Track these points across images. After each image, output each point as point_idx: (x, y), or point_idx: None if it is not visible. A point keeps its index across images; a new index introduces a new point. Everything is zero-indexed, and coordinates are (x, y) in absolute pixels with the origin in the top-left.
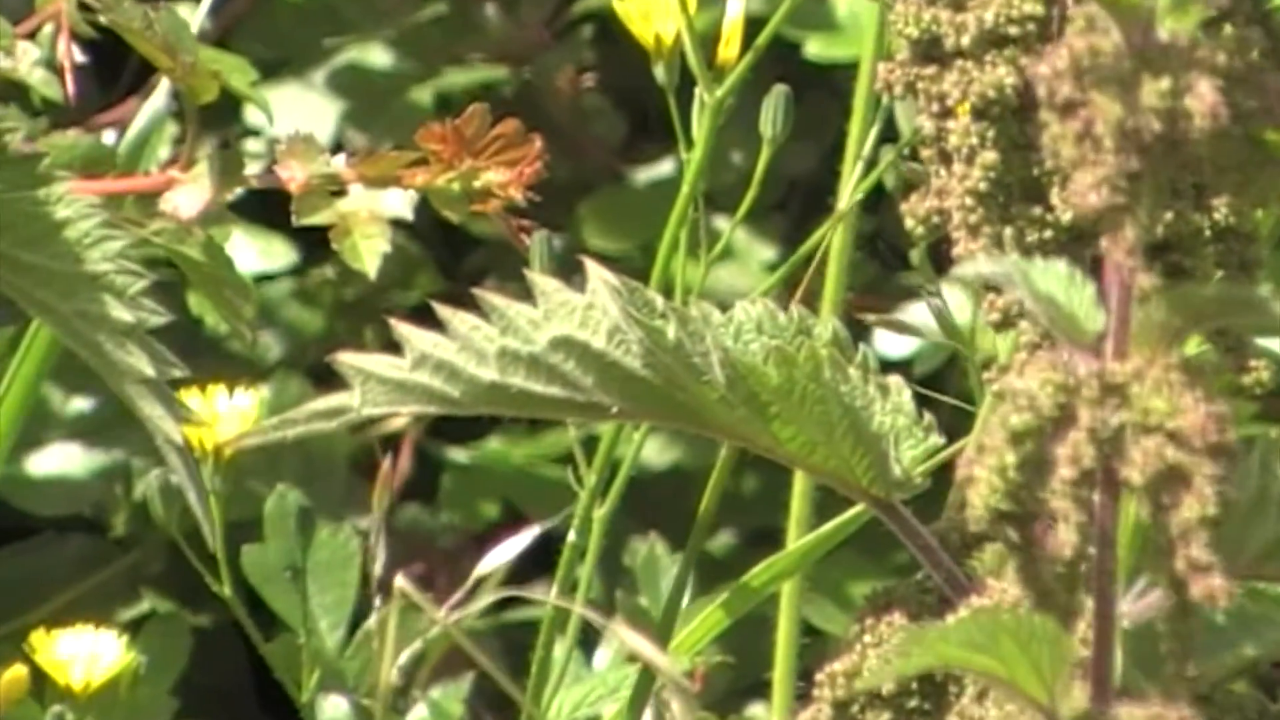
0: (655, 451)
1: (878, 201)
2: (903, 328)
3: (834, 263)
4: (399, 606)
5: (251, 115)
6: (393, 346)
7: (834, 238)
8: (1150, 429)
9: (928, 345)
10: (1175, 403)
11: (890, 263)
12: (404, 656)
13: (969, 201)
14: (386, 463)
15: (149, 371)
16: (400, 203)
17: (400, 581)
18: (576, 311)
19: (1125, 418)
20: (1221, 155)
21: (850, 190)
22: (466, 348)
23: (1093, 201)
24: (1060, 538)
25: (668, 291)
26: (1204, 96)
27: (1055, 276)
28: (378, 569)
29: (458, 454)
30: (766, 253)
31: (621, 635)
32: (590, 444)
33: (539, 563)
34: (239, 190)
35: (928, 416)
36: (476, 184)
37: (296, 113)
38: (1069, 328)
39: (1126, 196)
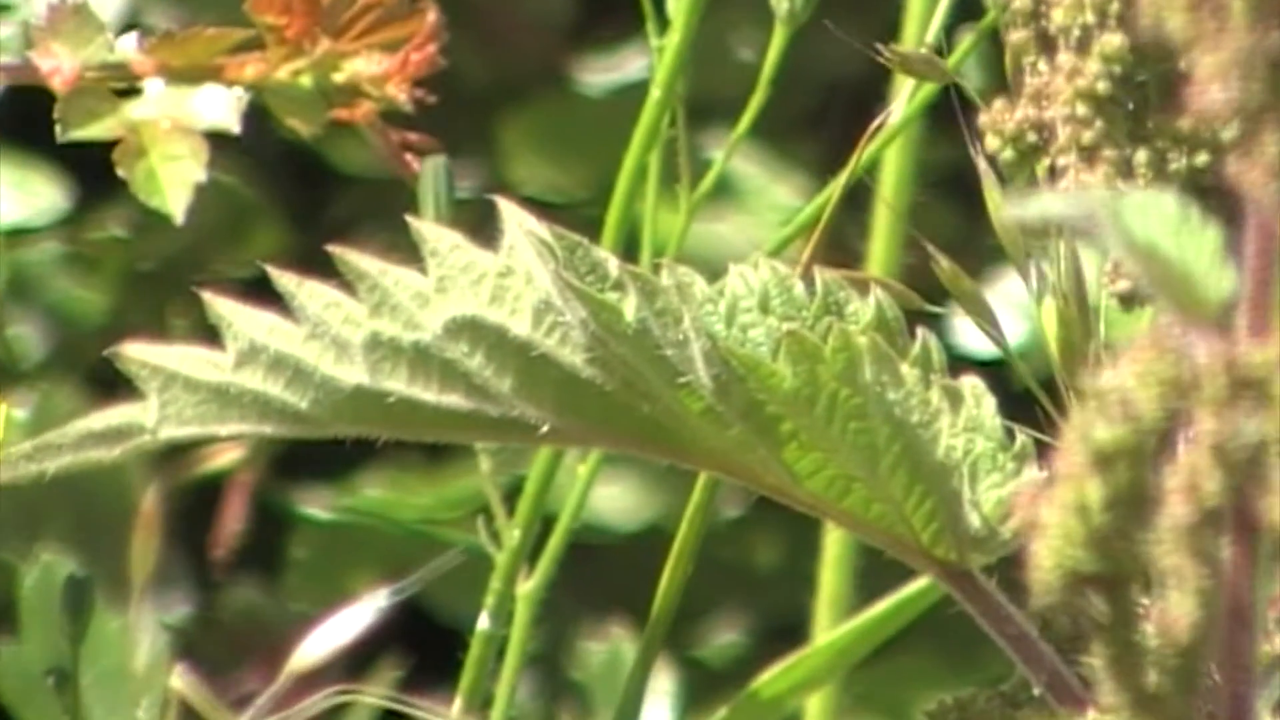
0: (621, 504)
1: (954, 116)
2: (985, 310)
3: (885, 207)
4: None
5: None
6: (212, 335)
7: (886, 169)
8: None
9: (1035, 336)
10: None
11: (976, 208)
12: None
13: (1082, 110)
14: (149, 500)
15: None
16: (222, 107)
17: (177, 680)
18: (486, 279)
19: (1268, 428)
20: None
21: (908, 95)
22: (319, 335)
23: (1215, 99)
24: (1171, 610)
25: (632, 253)
26: None
27: (1160, 216)
28: (141, 660)
29: (317, 504)
30: (792, 196)
31: None
32: (518, 489)
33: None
34: None
35: (1021, 439)
36: (338, 77)
37: None
38: (1181, 293)
39: (1265, 91)
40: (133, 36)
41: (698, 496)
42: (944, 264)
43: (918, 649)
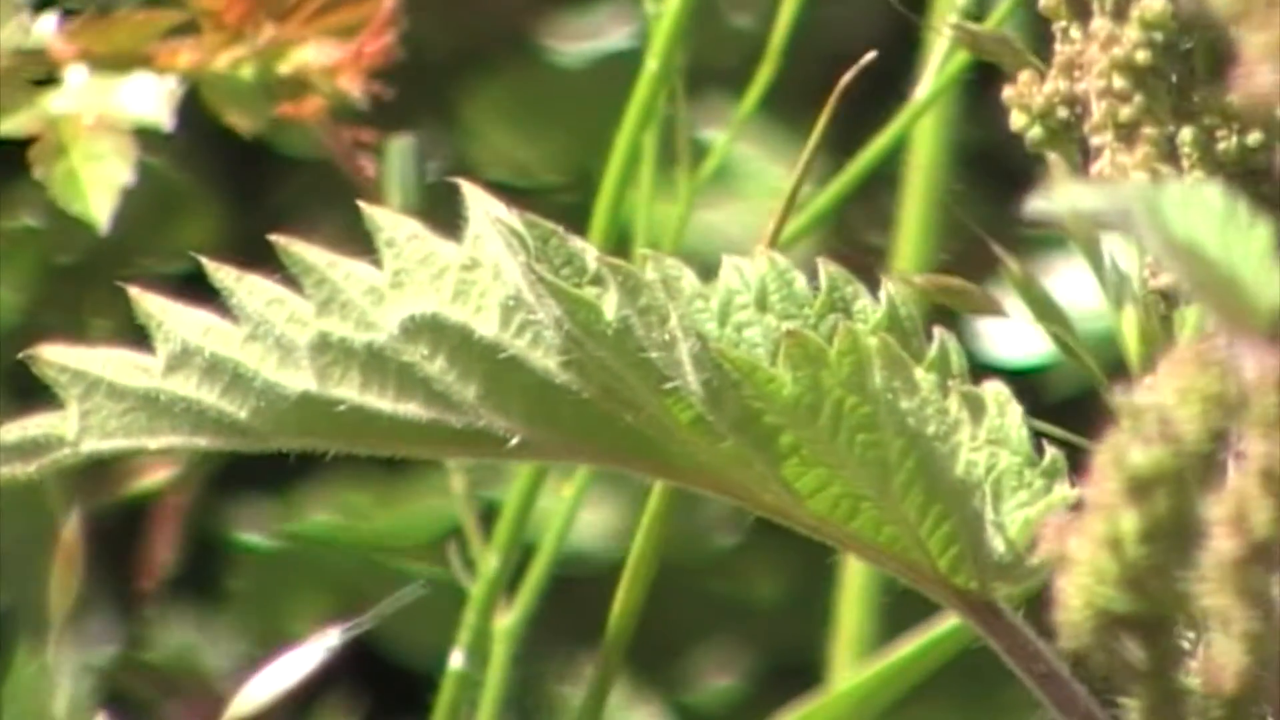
0: (597, 529)
1: (986, 90)
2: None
3: (909, 196)
4: None
5: None
6: (140, 336)
7: (916, 151)
8: None
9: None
10: None
11: (1011, 197)
12: None
13: (1119, 83)
14: (69, 527)
15: None
16: (152, 99)
17: None
18: (448, 273)
19: None
20: None
21: (935, 68)
22: (260, 335)
23: (1263, 81)
24: (1216, 656)
25: (621, 245)
26: None
27: (1204, 211)
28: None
29: (257, 529)
30: (790, 178)
31: None
32: (492, 511)
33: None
34: None
35: (1051, 453)
36: (283, 67)
37: None
38: (1227, 299)
39: None
40: (52, 18)
41: (654, 504)
42: (1012, 267)
43: (928, 696)
